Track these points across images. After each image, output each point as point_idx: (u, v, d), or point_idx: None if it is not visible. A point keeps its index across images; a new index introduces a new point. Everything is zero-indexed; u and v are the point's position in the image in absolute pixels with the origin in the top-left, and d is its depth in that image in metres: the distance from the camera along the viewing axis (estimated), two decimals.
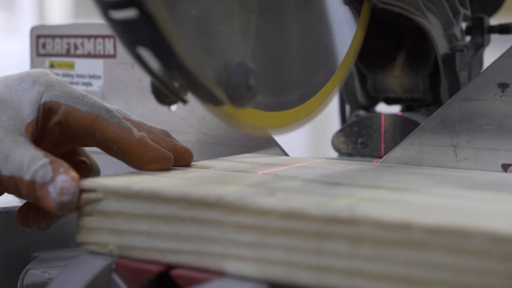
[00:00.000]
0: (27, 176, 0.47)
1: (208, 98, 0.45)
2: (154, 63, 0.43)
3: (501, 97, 0.57)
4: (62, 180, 0.47)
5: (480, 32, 0.81)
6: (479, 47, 0.80)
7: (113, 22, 0.42)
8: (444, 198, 0.46)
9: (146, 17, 0.41)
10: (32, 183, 0.47)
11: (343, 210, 0.40)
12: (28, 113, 0.51)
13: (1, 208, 0.59)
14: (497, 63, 0.57)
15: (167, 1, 0.42)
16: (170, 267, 0.45)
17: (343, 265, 0.40)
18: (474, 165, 0.58)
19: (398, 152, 0.61)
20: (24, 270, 0.56)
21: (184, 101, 0.46)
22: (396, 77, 0.76)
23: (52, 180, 0.47)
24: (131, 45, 0.42)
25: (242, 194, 0.44)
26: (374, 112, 0.80)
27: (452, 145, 0.59)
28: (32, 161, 0.48)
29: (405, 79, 0.76)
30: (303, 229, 0.40)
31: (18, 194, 0.49)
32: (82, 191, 0.47)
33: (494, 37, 0.83)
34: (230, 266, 0.43)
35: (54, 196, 0.46)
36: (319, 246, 0.40)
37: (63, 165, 0.48)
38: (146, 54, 0.43)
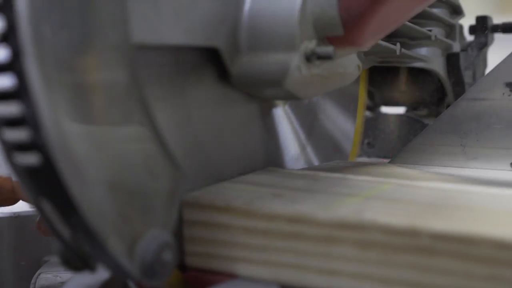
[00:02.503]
0: None
1: (117, 270, 0.38)
2: (58, 222, 0.37)
3: (509, 96, 0.57)
4: None
5: (483, 31, 0.81)
6: (482, 46, 0.81)
7: (15, 167, 0.36)
8: (452, 193, 0.46)
9: (49, 166, 0.35)
10: None
11: (350, 215, 0.40)
12: None
13: (12, 213, 0.59)
14: (504, 63, 0.58)
15: (77, 150, 0.35)
16: (181, 269, 0.45)
17: (352, 269, 0.40)
18: (483, 164, 0.58)
19: (406, 152, 0.61)
20: (36, 274, 0.57)
21: (92, 269, 0.40)
22: (401, 92, 0.76)
23: None
24: (34, 196, 0.36)
25: (250, 198, 0.44)
26: (379, 112, 0.80)
27: (461, 145, 0.59)
28: None
29: (410, 93, 0.76)
30: (312, 234, 0.41)
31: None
32: None
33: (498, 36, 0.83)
34: (242, 269, 0.43)
35: None
36: (328, 250, 0.40)
37: None
38: (50, 209, 0.36)
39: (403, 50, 0.64)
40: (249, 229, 0.42)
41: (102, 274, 0.45)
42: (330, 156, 0.64)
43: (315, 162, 0.61)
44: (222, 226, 0.43)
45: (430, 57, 0.72)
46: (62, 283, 0.55)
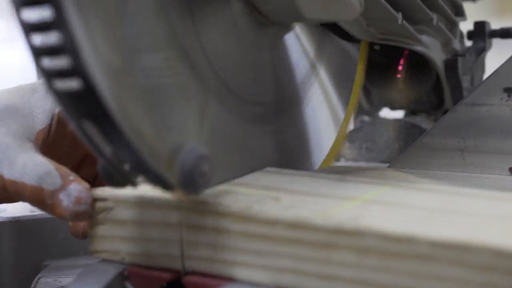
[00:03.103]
0: (30, 181, 0.48)
1: (158, 182, 0.41)
2: (100, 141, 0.39)
3: (507, 102, 0.58)
4: (77, 189, 0.47)
5: (481, 36, 0.81)
6: (481, 51, 0.81)
7: (57, 93, 0.38)
8: (449, 196, 0.46)
9: (90, 89, 0.37)
10: (39, 190, 0.47)
11: (348, 221, 0.40)
12: (41, 121, 0.52)
13: (12, 217, 0.59)
14: (502, 68, 0.58)
15: (115, 73, 0.38)
16: (181, 274, 0.45)
17: (351, 275, 0.40)
18: (481, 169, 0.58)
19: (405, 156, 0.61)
20: (36, 279, 0.57)
21: (134, 184, 0.42)
22: (400, 90, 0.76)
23: (63, 187, 0.47)
24: (76, 119, 0.39)
25: (249, 202, 0.44)
26: (378, 117, 0.80)
27: (459, 150, 0.59)
28: (35, 166, 0.48)
29: (408, 92, 0.76)
30: (310, 239, 0.41)
31: (20, 199, 0.50)
32: (94, 200, 0.47)
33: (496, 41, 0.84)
34: (241, 273, 0.43)
35: (67, 205, 0.47)
36: (326, 256, 0.40)
37: (70, 173, 0.48)
38: (92, 130, 0.39)
39: (404, 22, 0.64)
40: (248, 234, 0.42)
41: (101, 279, 0.46)
42: (341, 71, 0.65)
43: (325, 79, 0.62)
44: (221, 230, 0.43)
45: (430, 45, 0.71)
46: (62, 287, 0.55)
